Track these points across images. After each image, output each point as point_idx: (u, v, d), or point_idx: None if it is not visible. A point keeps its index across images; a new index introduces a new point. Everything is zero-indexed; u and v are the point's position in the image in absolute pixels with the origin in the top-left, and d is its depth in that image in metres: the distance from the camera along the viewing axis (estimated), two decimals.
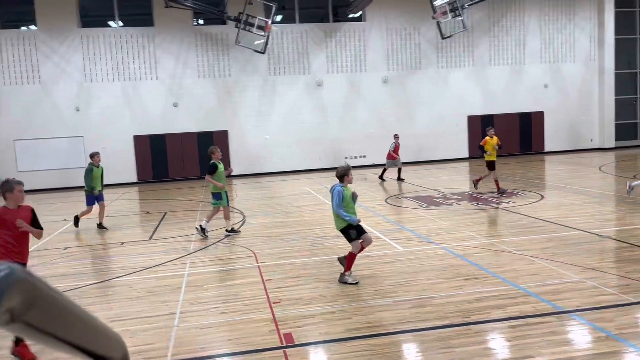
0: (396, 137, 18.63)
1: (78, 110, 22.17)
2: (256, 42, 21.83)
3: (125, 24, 22.88)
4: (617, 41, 26.05)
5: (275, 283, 7.14)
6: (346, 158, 24.36)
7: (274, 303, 6.31)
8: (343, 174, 7.02)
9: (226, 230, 10.46)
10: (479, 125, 25.29)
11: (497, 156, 13.81)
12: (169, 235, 10.86)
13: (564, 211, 11.04)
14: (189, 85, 23.11)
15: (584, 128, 26.47)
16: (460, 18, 22.31)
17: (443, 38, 23.44)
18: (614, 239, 8.49)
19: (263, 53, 21.67)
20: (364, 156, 24.54)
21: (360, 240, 6.94)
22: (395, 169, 18.50)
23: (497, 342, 4.94)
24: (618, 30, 26.10)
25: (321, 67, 24.09)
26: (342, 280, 6.91)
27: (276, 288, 6.91)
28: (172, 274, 7.89)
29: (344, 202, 6.92)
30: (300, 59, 23.89)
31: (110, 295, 7.11)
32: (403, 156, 24.98)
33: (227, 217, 10.51)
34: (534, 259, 7.51)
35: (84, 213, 12.12)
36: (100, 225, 11.99)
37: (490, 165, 13.72)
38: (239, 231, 10.72)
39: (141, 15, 23.25)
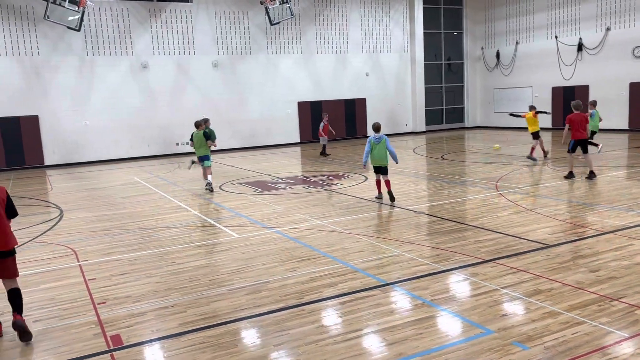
0: (324, 116, 20.22)
1: None
2: (70, 18, 19.73)
3: None
4: (425, 35, 28.95)
5: (99, 282, 6.57)
6: (177, 145, 23.48)
7: (98, 304, 5.80)
8: (379, 127, 10.74)
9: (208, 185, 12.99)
10: (309, 110, 26.24)
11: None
12: None
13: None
14: None
15: (400, 114, 29.05)
16: (287, 5, 22.73)
17: (272, 24, 23.71)
18: (427, 214, 9.45)
19: (78, 30, 19.69)
20: None
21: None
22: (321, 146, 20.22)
23: (329, 319, 5.16)
24: (426, 24, 29.00)
25: (146, 49, 22.73)
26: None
27: (101, 287, 6.37)
28: None
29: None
30: (122, 39, 22.23)
31: None
32: (236, 142, 24.94)
33: (209, 174, 13.28)
34: (360, 237, 8.02)
35: None
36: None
37: (535, 135, 15.50)
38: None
39: None
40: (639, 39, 22.48)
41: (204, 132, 13.09)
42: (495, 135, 24.91)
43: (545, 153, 15.96)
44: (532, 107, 16.23)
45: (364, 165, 10.78)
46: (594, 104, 16.83)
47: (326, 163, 17.85)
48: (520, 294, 5.45)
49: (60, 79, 21.34)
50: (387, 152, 10.40)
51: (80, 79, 21.71)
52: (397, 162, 10.84)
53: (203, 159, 13.22)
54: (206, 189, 13.06)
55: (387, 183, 10.60)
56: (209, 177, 13.17)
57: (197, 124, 13.31)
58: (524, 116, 15.83)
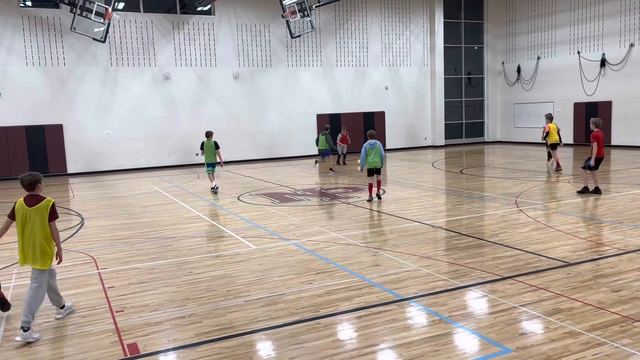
0: (343, 128, 21.44)
1: None
2: (96, 30, 20.20)
3: None
4: (445, 49, 28.92)
5: (118, 290, 6.65)
6: (197, 155, 23.70)
7: (116, 312, 5.86)
8: (374, 135, 12.21)
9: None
10: (328, 123, 26.32)
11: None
12: None
13: (402, 204, 11.93)
14: (15, 73, 20.62)
15: (419, 127, 28.97)
16: (308, 18, 22.95)
17: (293, 37, 23.94)
18: (445, 229, 9.38)
19: (103, 42, 20.14)
20: None
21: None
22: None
23: (345, 333, 5.13)
24: (447, 39, 28.99)
25: (169, 60, 23.11)
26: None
27: (119, 296, 6.43)
28: None
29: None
30: (145, 50, 22.64)
31: None
32: (256, 153, 25.11)
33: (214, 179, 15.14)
34: (377, 251, 7.99)
35: None
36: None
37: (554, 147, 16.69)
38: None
39: None
40: None
41: (215, 142, 14.79)
42: (516, 150, 24.66)
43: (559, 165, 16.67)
44: (551, 117, 16.92)
45: (361, 169, 12.25)
46: (550, 118, 17.26)
47: (343, 175, 17.85)
48: (539, 312, 5.37)
49: (84, 89, 21.79)
50: (381, 156, 12.00)
51: (104, 89, 22.14)
52: (382, 165, 12.20)
53: (210, 165, 14.82)
54: (214, 192, 14.67)
55: (379, 183, 12.47)
56: (214, 182, 14.95)
57: (208, 134, 14.87)
58: (548, 129, 16.49)
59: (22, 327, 5.15)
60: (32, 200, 5.41)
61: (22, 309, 5.25)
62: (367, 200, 12.24)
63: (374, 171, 12.17)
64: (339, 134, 21.20)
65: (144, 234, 9.98)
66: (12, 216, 5.44)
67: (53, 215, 5.42)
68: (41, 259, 5.34)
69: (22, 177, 5.46)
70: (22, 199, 5.46)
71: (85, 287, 6.85)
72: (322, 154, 17.62)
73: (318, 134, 18.13)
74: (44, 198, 5.45)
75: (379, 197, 12.49)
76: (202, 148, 14.85)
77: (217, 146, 14.76)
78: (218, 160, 14.88)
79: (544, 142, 17.39)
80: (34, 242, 5.32)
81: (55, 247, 5.51)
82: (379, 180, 12.43)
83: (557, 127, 16.88)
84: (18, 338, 5.13)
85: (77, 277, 7.33)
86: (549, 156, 17.97)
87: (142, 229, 10.45)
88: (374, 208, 11.63)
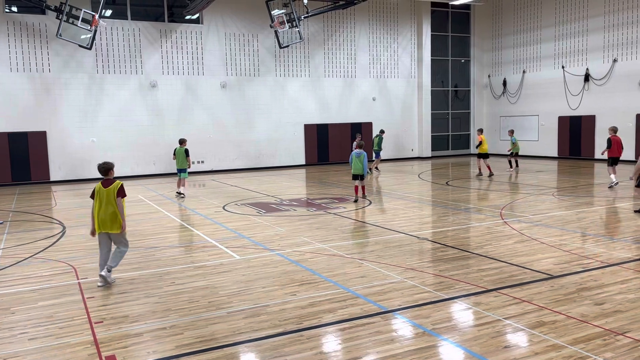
0: (357, 136, 21.55)
1: None
2: (82, 37, 20.05)
3: None
4: (433, 61, 29.18)
5: (98, 300, 6.52)
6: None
7: (95, 323, 5.74)
8: (362, 145, 14.35)
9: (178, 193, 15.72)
10: (315, 133, 26.35)
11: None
12: None
13: (388, 216, 11.92)
14: None
15: (406, 138, 29.10)
16: (297, 29, 23.02)
17: (281, 47, 23.98)
18: (430, 241, 9.37)
19: (89, 49, 19.96)
20: (203, 161, 23.97)
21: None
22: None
23: (328, 346, 5.07)
24: (434, 51, 29.26)
25: (156, 68, 22.99)
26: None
27: (99, 306, 6.31)
28: None
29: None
30: (132, 58, 22.52)
31: None
32: (242, 163, 25.01)
33: (183, 185, 15.93)
34: (362, 262, 7.95)
35: None
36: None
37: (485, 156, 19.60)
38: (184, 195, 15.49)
39: None
40: None
41: (186, 149, 15.61)
42: (501, 163, 24.86)
43: (491, 172, 19.26)
44: (482, 130, 20.90)
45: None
46: (512, 131, 21.53)
47: (331, 186, 17.82)
48: (523, 325, 5.35)
49: (69, 96, 21.57)
50: (364, 164, 13.68)
51: (89, 96, 21.94)
52: (364, 174, 13.84)
53: (181, 171, 15.64)
54: (181, 196, 15.63)
55: (363, 188, 14.27)
56: (182, 189, 15.77)
57: (181, 141, 15.84)
58: (480, 139, 19.35)
59: (107, 269, 7.10)
60: (107, 183, 7.15)
61: (111, 259, 7.18)
62: (354, 201, 13.94)
63: (357, 177, 13.92)
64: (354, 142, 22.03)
65: None
66: (92, 196, 7.18)
67: (120, 193, 7.11)
68: (115, 225, 7.10)
69: (99, 165, 7.28)
70: (100, 182, 7.20)
71: (64, 297, 6.71)
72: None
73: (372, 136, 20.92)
74: (115, 181, 7.19)
75: (365, 198, 14.22)
76: (174, 154, 15.85)
77: (187, 153, 15.60)
78: (187, 167, 15.70)
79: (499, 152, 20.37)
80: (109, 214, 7.03)
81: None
82: (363, 185, 14.16)
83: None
84: (103, 272, 7.05)
85: (57, 287, 7.18)
86: (510, 164, 21.62)
87: None
88: (360, 219, 11.60)
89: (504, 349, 4.83)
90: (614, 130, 15.69)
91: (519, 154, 21.61)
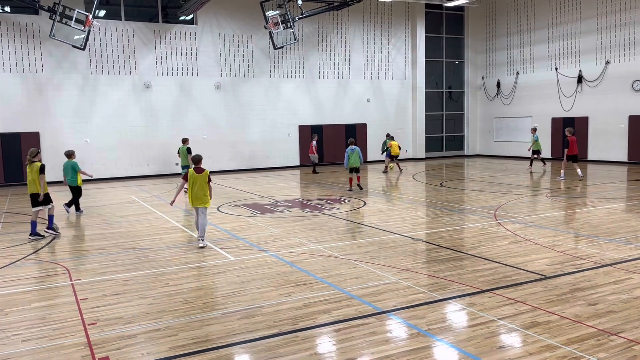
0: (313, 136, 23.31)
1: None
2: (76, 37, 19.96)
3: None
4: (427, 63, 29.25)
5: (91, 302, 6.49)
6: (177, 165, 23.49)
7: (89, 325, 5.71)
8: (354, 142, 16.23)
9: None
10: (310, 134, 26.34)
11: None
12: None
13: (383, 216, 11.94)
14: None
15: (400, 140, 29.12)
16: (291, 30, 23.01)
17: (275, 48, 23.97)
18: (425, 241, 9.39)
19: (83, 49, 19.86)
20: None
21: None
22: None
23: (323, 347, 5.07)
24: (428, 53, 29.34)
25: (150, 69, 22.93)
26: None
27: (93, 308, 6.28)
28: None
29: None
30: (126, 59, 22.44)
31: None
32: (235, 164, 24.98)
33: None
34: (357, 263, 7.95)
35: None
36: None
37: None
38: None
39: None
40: (638, 73, 22.72)
41: (188, 148, 16.77)
42: (495, 164, 24.94)
43: (400, 170, 22.06)
44: (392, 137, 23.27)
45: (346, 167, 16.20)
46: (534, 129, 22.09)
47: (325, 187, 17.83)
48: (517, 325, 5.37)
49: (63, 97, 21.47)
50: (360, 158, 15.94)
51: (83, 97, 21.85)
52: (360, 164, 16.04)
53: (185, 168, 16.43)
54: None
55: (358, 178, 16.40)
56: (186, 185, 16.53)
57: (184, 140, 17.16)
58: (390, 145, 22.06)
59: (200, 237, 9.31)
60: (199, 170, 9.21)
61: (199, 229, 9.31)
62: (347, 190, 16.06)
63: (354, 170, 16.05)
64: (313, 142, 22.78)
65: (120, 244, 9.80)
66: (185, 178, 9.31)
67: (209, 180, 9.20)
68: (204, 202, 9.20)
69: (193, 156, 9.50)
70: (192, 168, 9.27)
71: (57, 299, 6.67)
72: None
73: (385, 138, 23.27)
74: (204, 170, 9.22)
75: (360, 187, 16.23)
76: (178, 153, 17.17)
77: (189, 151, 16.56)
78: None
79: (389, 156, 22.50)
80: (200, 193, 9.12)
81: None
82: (359, 176, 16.39)
83: (398, 143, 23.17)
84: (201, 244, 9.23)
85: (50, 289, 7.14)
86: (531, 162, 22.40)
87: (118, 239, 10.27)
88: (354, 220, 11.61)
89: (498, 349, 4.85)
90: (570, 132, 17.59)
91: (395, 155, 22.84)
